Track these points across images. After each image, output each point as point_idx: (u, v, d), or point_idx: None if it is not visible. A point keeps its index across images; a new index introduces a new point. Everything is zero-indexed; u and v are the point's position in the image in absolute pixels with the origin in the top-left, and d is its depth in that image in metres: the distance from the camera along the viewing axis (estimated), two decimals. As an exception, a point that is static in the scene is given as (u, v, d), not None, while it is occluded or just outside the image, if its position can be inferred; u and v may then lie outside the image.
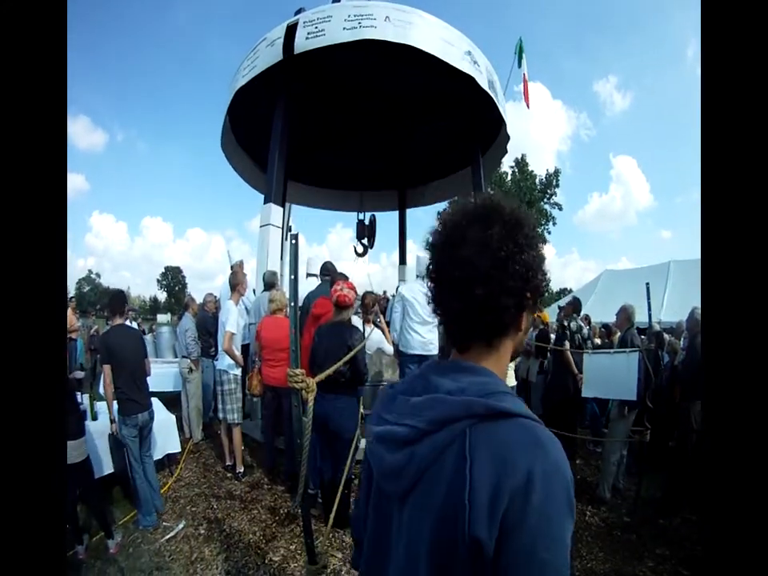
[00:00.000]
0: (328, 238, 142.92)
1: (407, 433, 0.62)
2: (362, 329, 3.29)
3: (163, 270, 75.86)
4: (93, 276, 72.22)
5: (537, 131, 73.93)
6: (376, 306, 3.68)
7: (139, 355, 3.16)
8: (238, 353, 3.89)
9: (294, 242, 1.32)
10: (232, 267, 4.83)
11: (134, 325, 8.19)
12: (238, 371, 3.94)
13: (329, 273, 4.16)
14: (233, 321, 3.72)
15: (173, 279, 74.74)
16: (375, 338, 3.45)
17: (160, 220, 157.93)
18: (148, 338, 8.13)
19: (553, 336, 5.99)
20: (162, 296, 71.38)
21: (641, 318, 3.99)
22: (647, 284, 3.77)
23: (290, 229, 9.83)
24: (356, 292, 3.04)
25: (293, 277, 1.29)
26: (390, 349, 3.72)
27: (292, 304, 1.30)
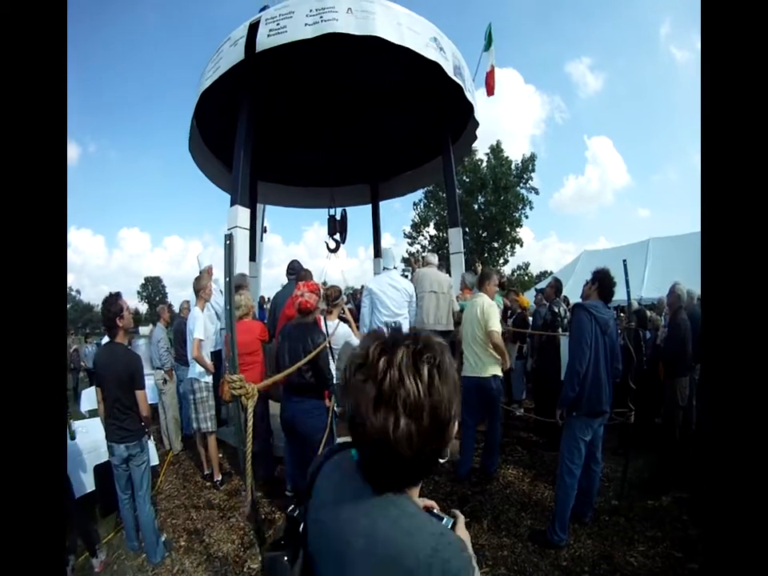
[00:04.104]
0: (305, 236, 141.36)
1: None
2: (324, 324, 3.19)
3: (143, 281, 73.48)
4: (73, 293, 69.45)
5: (510, 116, 73.96)
6: (340, 299, 3.55)
7: (122, 380, 2.65)
8: (208, 360, 3.79)
9: (228, 242, 1.25)
10: (201, 273, 4.69)
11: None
12: (209, 378, 3.83)
13: (295, 272, 4.07)
14: (200, 327, 3.60)
15: (153, 289, 72.52)
16: (341, 332, 3.35)
17: (137, 230, 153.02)
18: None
19: (530, 320, 5.96)
20: (144, 308, 68.89)
21: (619, 296, 3.91)
22: (624, 261, 3.74)
23: (264, 230, 9.66)
24: (318, 294, 2.96)
25: (227, 279, 1.23)
26: (356, 342, 3.60)
27: (228, 307, 1.24)
